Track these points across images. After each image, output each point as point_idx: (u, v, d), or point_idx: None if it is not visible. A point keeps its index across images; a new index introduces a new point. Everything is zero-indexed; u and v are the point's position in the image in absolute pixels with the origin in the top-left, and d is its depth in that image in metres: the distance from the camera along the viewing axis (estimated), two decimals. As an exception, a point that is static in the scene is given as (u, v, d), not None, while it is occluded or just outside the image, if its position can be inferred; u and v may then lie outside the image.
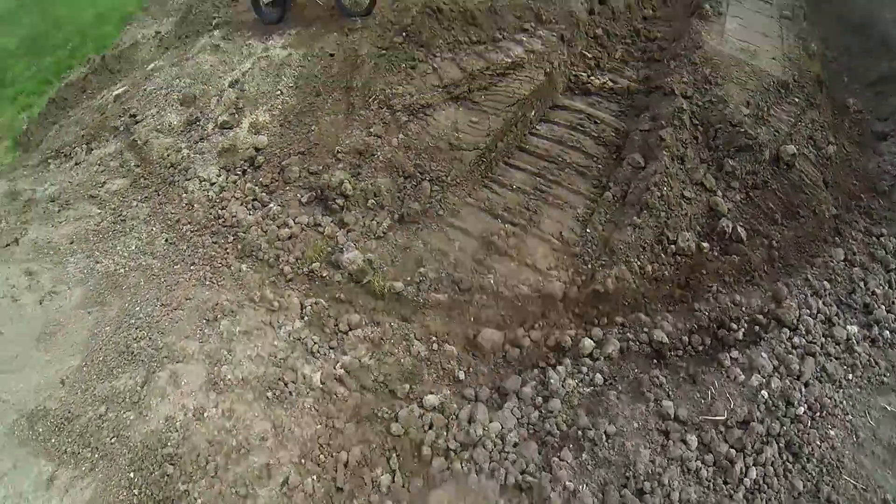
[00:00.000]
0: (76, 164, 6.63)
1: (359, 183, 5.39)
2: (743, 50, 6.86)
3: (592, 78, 7.10)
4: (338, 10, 7.41)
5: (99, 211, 5.87)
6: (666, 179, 5.43)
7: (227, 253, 5.28)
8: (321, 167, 5.62)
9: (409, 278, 4.96)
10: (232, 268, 5.17)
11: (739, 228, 5.22)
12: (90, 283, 5.17)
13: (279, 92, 6.60)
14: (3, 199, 6.25)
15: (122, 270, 5.28)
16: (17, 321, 4.86)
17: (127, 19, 11.24)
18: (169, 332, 4.59)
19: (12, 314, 4.91)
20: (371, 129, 5.69)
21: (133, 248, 5.47)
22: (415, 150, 5.51)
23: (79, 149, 6.88)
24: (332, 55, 6.81)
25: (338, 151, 5.61)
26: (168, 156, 6.18)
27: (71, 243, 5.57)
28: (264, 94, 6.61)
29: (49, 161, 6.95)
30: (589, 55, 7.42)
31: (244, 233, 5.35)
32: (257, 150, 6.04)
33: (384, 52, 6.44)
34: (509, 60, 6.27)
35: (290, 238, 5.33)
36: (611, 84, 7.06)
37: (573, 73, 7.10)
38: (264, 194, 5.62)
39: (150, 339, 4.56)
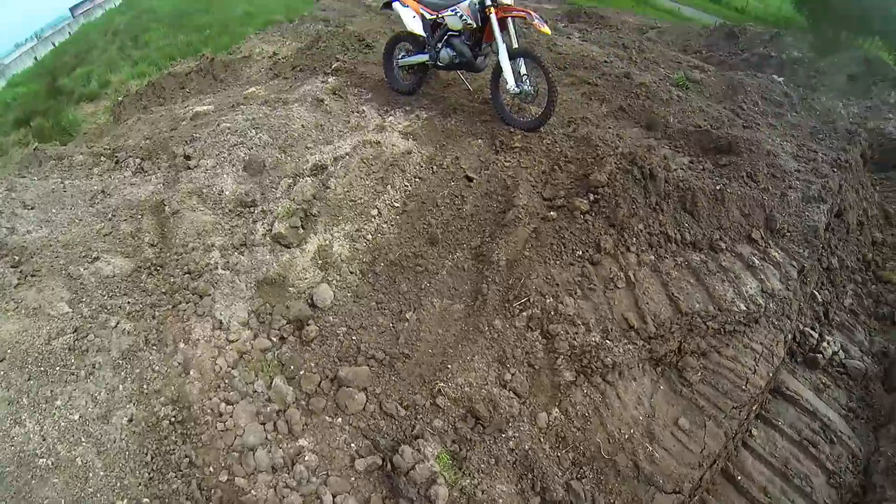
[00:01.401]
0: (104, 192, 4.35)
1: (462, 478, 2.94)
2: None
3: (824, 344, 4.64)
4: (494, 108, 5.12)
5: (68, 310, 3.34)
6: None
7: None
8: (405, 409, 3.15)
9: None
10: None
11: None
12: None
13: (376, 212, 4.30)
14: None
15: (42, 459, 2.72)
16: None
17: (268, 25, 10.66)
18: None
19: None
20: (507, 376, 3.28)
21: (77, 417, 2.89)
22: (573, 451, 3.10)
23: (130, 161, 4.75)
24: (469, 180, 4.49)
25: (439, 390, 3.19)
26: (192, 250, 3.88)
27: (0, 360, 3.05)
28: (355, 205, 4.32)
29: (97, 163, 4.76)
30: (819, 298, 5.01)
31: (246, 481, 2.80)
32: (313, 306, 3.65)
33: (552, 212, 4.10)
34: (743, 308, 3.88)
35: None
36: (842, 357, 4.63)
37: (800, 327, 4.69)
38: (298, 414, 3.10)
39: None
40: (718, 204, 4.42)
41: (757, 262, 4.37)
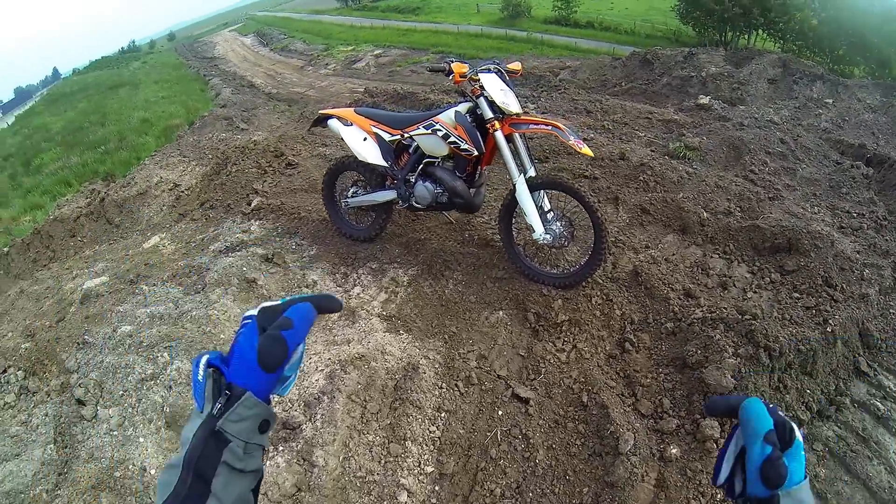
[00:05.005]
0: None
1: None
2: None
3: None
4: (508, 257, 3.69)
5: None
6: None
7: None
8: None
9: None
10: None
11: None
12: None
13: (404, 494, 2.76)
14: None
15: None
16: None
17: (169, 132, 10.07)
18: None
19: None
20: None
21: None
22: None
23: (12, 376, 3.16)
24: (522, 401, 3.07)
25: None
26: None
27: None
28: (366, 486, 2.79)
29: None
30: None
31: None
32: None
33: (672, 449, 2.80)
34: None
35: None
36: None
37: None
38: None
39: None
40: (831, 347, 3.42)
41: (880, 405, 3.45)
